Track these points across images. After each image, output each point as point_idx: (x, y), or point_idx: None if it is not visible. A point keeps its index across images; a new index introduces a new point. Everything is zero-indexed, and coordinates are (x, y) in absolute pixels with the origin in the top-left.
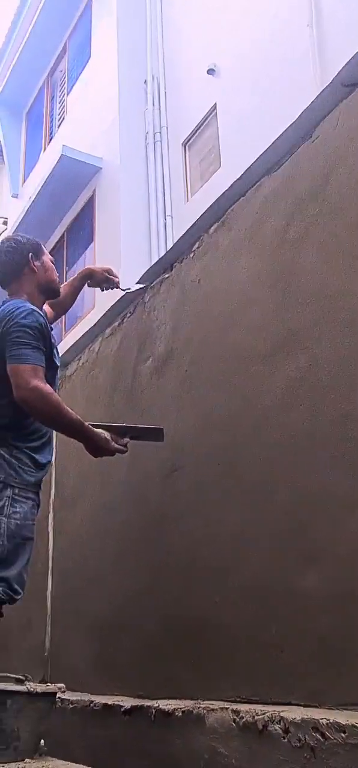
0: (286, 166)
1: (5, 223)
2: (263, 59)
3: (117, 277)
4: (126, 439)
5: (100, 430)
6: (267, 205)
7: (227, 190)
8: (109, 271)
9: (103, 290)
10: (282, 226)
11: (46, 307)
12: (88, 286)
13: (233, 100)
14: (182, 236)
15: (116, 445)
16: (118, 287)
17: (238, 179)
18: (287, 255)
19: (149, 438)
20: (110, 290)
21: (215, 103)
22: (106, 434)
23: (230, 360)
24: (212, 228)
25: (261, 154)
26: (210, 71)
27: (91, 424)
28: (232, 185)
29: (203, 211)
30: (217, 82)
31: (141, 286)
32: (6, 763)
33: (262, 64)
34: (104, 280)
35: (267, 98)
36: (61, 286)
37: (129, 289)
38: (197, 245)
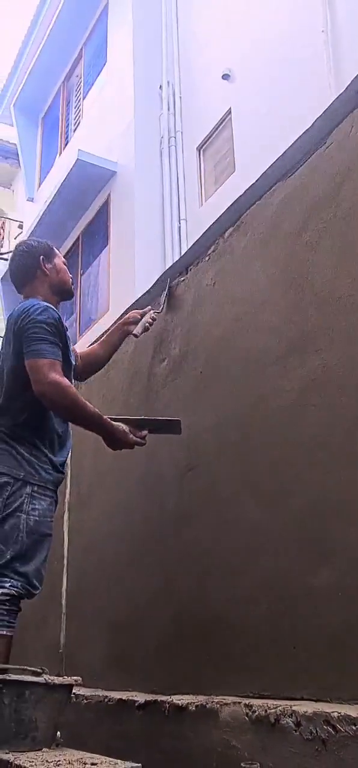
0: (300, 172)
1: (21, 227)
2: (278, 64)
3: (151, 310)
4: (144, 432)
5: (118, 423)
6: (282, 209)
7: (242, 195)
8: (142, 313)
9: (148, 327)
10: (296, 231)
11: (79, 359)
12: (134, 334)
13: (247, 105)
14: (197, 240)
15: (135, 438)
16: (155, 312)
17: (253, 184)
18: (301, 259)
19: (167, 431)
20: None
21: (230, 108)
22: (125, 427)
23: (245, 362)
24: (228, 232)
25: (276, 160)
26: (225, 76)
27: (109, 417)
28: (247, 190)
29: (219, 215)
30: (232, 87)
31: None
32: (24, 752)
33: (276, 70)
34: (139, 320)
35: (281, 103)
36: (96, 344)
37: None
38: (212, 249)
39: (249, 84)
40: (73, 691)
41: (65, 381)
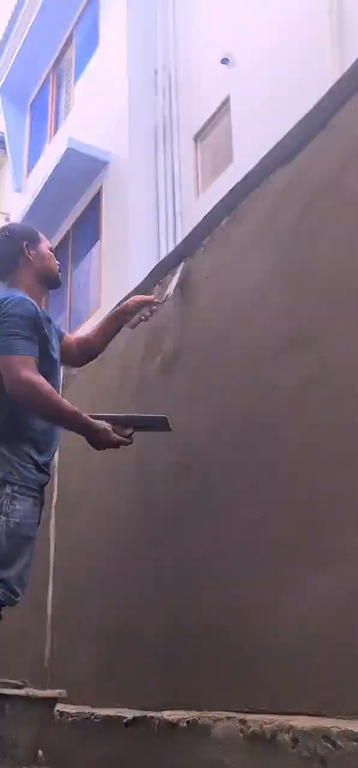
0: (300, 157)
1: (7, 219)
2: (280, 48)
3: (153, 299)
4: (129, 430)
5: (99, 421)
6: (280, 197)
7: (238, 183)
8: (142, 300)
9: (144, 319)
10: (295, 220)
11: (74, 345)
12: (128, 326)
13: (247, 92)
14: (192, 230)
15: (119, 437)
16: (156, 303)
17: (250, 171)
18: (301, 249)
19: (155, 428)
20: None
21: (229, 95)
22: (107, 425)
23: (240, 358)
24: (224, 221)
25: (275, 145)
26: (224, 61)
27: (91, 416)
28: (244, 177)
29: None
30: (231, 72)
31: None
32: None
33: (278, 54)
34: (138, 308)
35: (283, 90)
36: (91, 332)
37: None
38: (207, 239)
39: (249, 69)
40: (58, 708)
41: (38, 379)
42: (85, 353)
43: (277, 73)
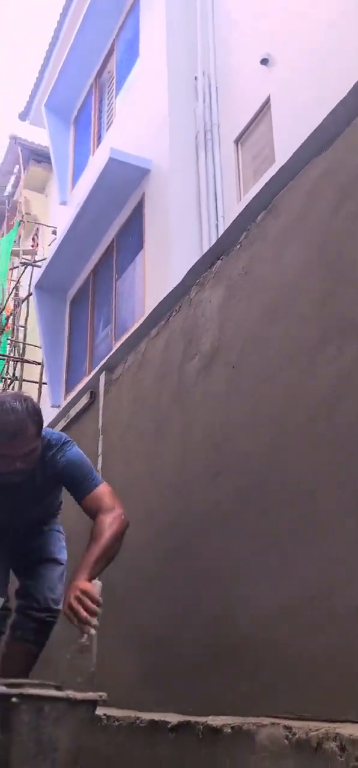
0: (336, 146)
1: (54, 232)
2: (319, 47)
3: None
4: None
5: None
6: (317, 188)
7: (274, 176)
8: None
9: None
10: (332, 210)
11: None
12: None
13: (287, 92)
14: (228, 227)
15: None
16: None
17: (285, 163)
18: (338, 240)
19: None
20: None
21: (269, 96)
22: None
23: (278, 354)
24: (260, 216)
25: (309, 135)
26: (263, 61)
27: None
28: (280, 169)
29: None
30: (271, 72)
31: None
32: None
33: (318, 53)
34: None
35: (324, 88)
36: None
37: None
38: (243, 236)
39: (289, 69)
40: (104, 712)
41: None
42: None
43: (316, 71)
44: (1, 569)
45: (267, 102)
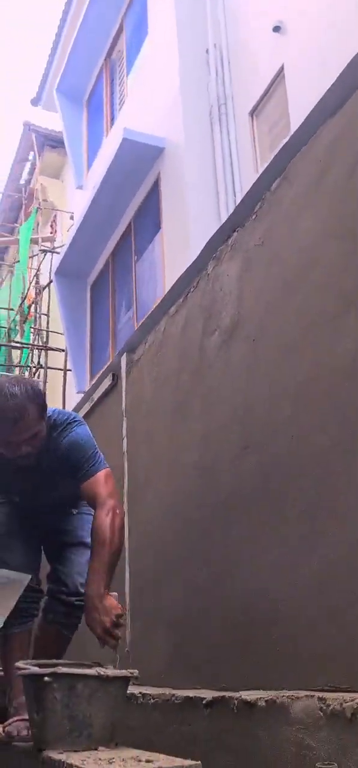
0: (349, 105)
1: (72, 218)
2: (333, 12)
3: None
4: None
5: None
6: (330, 150)
7: (287, 141)
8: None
9: None
10: (347, 172)
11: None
12: None
13: (302, 59)
14: (243, 198)
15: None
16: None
17: (299, 128)
18: (354, 203)
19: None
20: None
21: (283, 65)
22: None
23: (298, 324)
24: (274, 184)
25: (321, 98)
26: (276, 29)
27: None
28: (292, 135)
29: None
30: (284, 40)
31: None
32: (79, 751)
33: (332, 17)
34: None
35: (339, 54)
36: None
37: None
38: (258, 206)
39: (302, 35)
40: (140, 691)
41: None
42: None
43: (330, 38)
44: (32, 552)
45: (281, 71)
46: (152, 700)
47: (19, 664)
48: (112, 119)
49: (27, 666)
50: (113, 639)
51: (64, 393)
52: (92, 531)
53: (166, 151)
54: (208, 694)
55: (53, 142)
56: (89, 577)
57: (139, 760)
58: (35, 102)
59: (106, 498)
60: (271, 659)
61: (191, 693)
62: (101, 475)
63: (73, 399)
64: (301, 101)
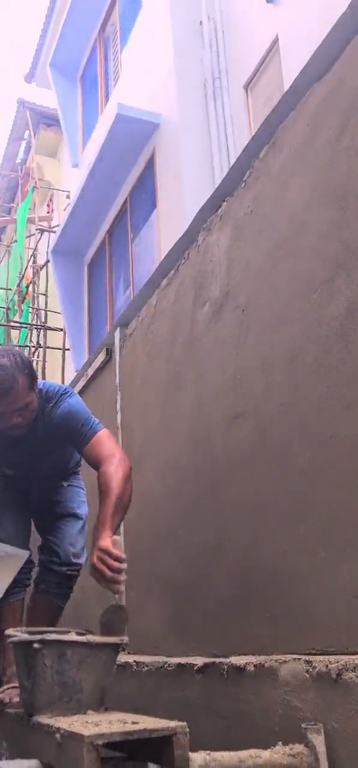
0: (337, 67)
1: (68, 196)
2: None
3: None
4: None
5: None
6: (318, 114)
7: (275, 107)
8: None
9: None
10: (334, 136)
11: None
12: None
13: (295, 30)
14: (231, 166)
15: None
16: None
17: (286, 93)
18: (342, 167)
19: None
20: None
21: (277, 35)
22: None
23: (287, 291)
24: (263, 151)
25: (308, 61)
26: (269, 0)
27: None
28: (280, 101)
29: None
30: (278, 10)
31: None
32: (69, 715)
33: None
34: None
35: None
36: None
37: None
38: (247, 174)
39: (296, 6)
40: (134, 659)
41: None
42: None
43: (324, 7)
44: (23, 523)
45: (275, 42)
46: (146, 668)
47: (10, 631)
48: (107, 95)
49: (17, 633)
50: (115, 583)
51: (64, 372)
52: (99, 485)
53: (161, 126)
54: (199, 661)
55: (48, 120)
56: (95, 526)
57: (125, 722)
58: (29, 78)
59: (109, 454)
60: (261, 625)
61: (183, 660)
62: (101, 434)
63: (72, 377)
64: (295, 74)
